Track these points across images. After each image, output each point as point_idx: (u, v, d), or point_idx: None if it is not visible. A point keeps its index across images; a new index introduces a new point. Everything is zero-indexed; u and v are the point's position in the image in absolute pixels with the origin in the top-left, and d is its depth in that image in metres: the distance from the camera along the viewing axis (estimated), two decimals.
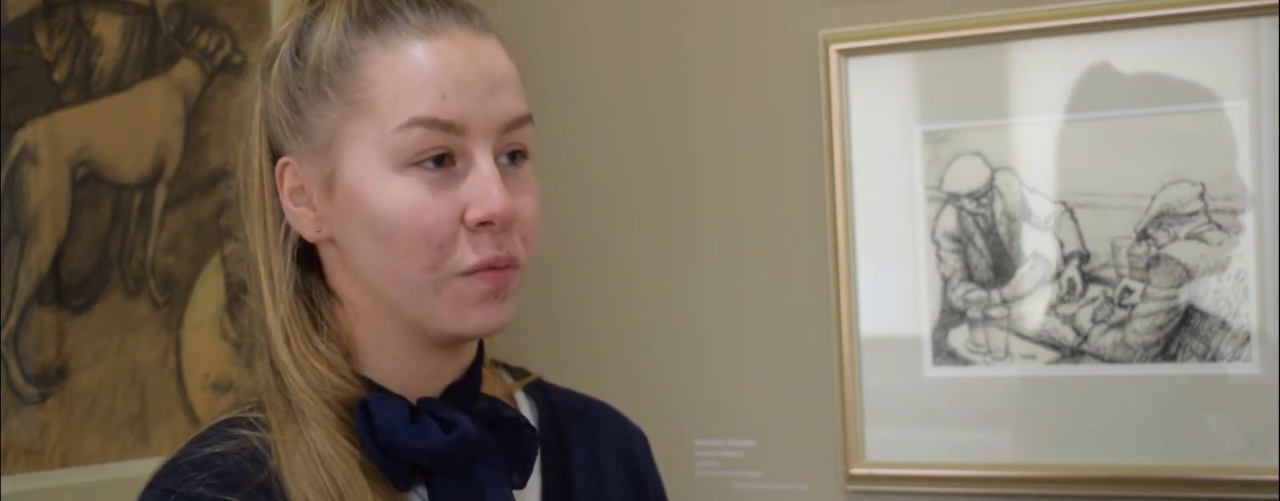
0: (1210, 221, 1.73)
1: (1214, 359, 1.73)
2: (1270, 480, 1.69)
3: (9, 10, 1.63)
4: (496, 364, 1.18)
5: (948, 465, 1.85)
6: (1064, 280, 1.79)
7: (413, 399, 1.03)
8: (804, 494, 1.95)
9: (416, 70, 0.99)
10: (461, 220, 0.99)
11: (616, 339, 2.06)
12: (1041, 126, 1.81)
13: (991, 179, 1.83)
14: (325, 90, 1.00)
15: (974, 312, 1.84)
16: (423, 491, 1.02)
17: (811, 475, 1.94)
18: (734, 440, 1.99)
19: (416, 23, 1.00)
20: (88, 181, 1.71)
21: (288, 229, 1.04)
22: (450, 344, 1.04)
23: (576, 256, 2.07)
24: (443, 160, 0.99)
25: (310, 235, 1.04)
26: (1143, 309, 1.76)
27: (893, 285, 1.88)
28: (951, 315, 1.85)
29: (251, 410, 1.04)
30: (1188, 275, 1.74)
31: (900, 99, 1.88)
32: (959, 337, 1.85)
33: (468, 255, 0.99)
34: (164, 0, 1.81)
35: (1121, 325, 1.77)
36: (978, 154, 1.84)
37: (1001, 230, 1.82)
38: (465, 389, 1.06)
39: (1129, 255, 1.76)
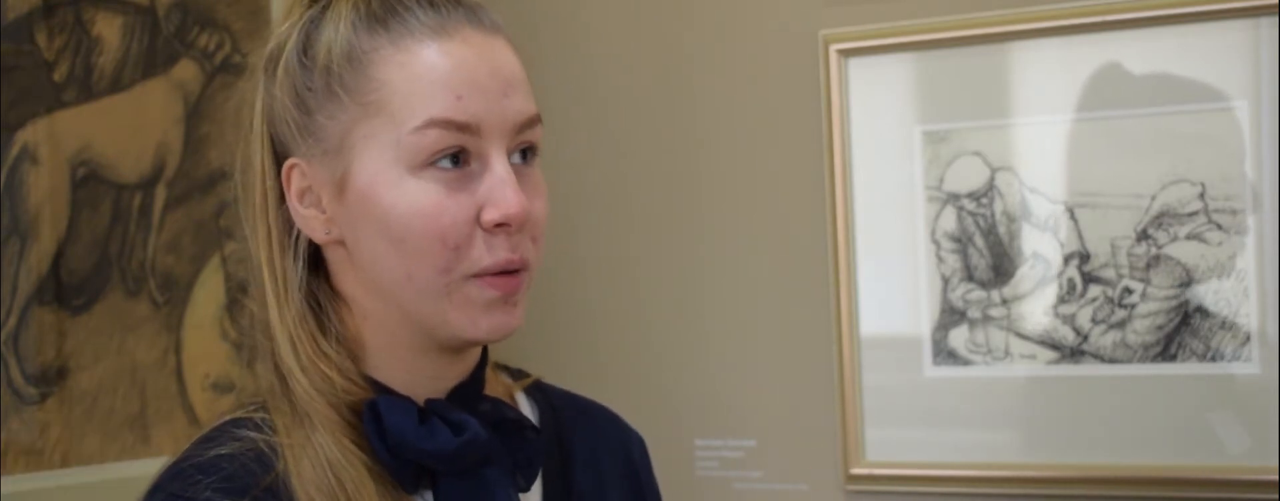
0: (1210, 221, 1.73)
1: (1214, 359, 1.73)
2: (1270, 480, 1.69)
3: (9, 10, 1.62)
4: (495, 364, 1.17)
5: (948, 465, 1.85)
6: (1064, 280, 1.79)
7: (419, 400, 1.02)
8: (804, 494, 1.95)
9: (430, 71, 0.98)
10: (477, 221, 0.98)
11: (616, 339, 2.06)
12: (1041, 126, 1.80)
13: (991, 179, 1.83)
14: (336, 91, 0.99)
15: (974, 313, 1.84)
16: (429, 495, 1.02)
17: (811, 475, 1.94)
18: (734, 440, 1.99)
19: (427, 22, 0.99)
20: (88, 181, 1.70)
21: (295, 231, 1.03)
22: (459, 347, 1.03)
23: (577, 256, 2.07)
24: (458, 160, 0.98)
25: (319, 237, 1.02)
26: (1143, 309, 1.76)
27: (893, 285, 1.88)
28: (951, 315, 1.85)
29: (256, 410, 1.03)
30: (1188, 275, 1.74)
31: (900, 99, 1.88)
32: (959, 338, 1.85)
33: (482, 256, 0.98)
34: (164, 0, 1.80)
35: (1122, 325, 1.77)
36: (978, 154, 1.84)
37: (1001, 230, 1.82)
38: (470, 390, 1.05)
39: (1129, 255, 1.76)
